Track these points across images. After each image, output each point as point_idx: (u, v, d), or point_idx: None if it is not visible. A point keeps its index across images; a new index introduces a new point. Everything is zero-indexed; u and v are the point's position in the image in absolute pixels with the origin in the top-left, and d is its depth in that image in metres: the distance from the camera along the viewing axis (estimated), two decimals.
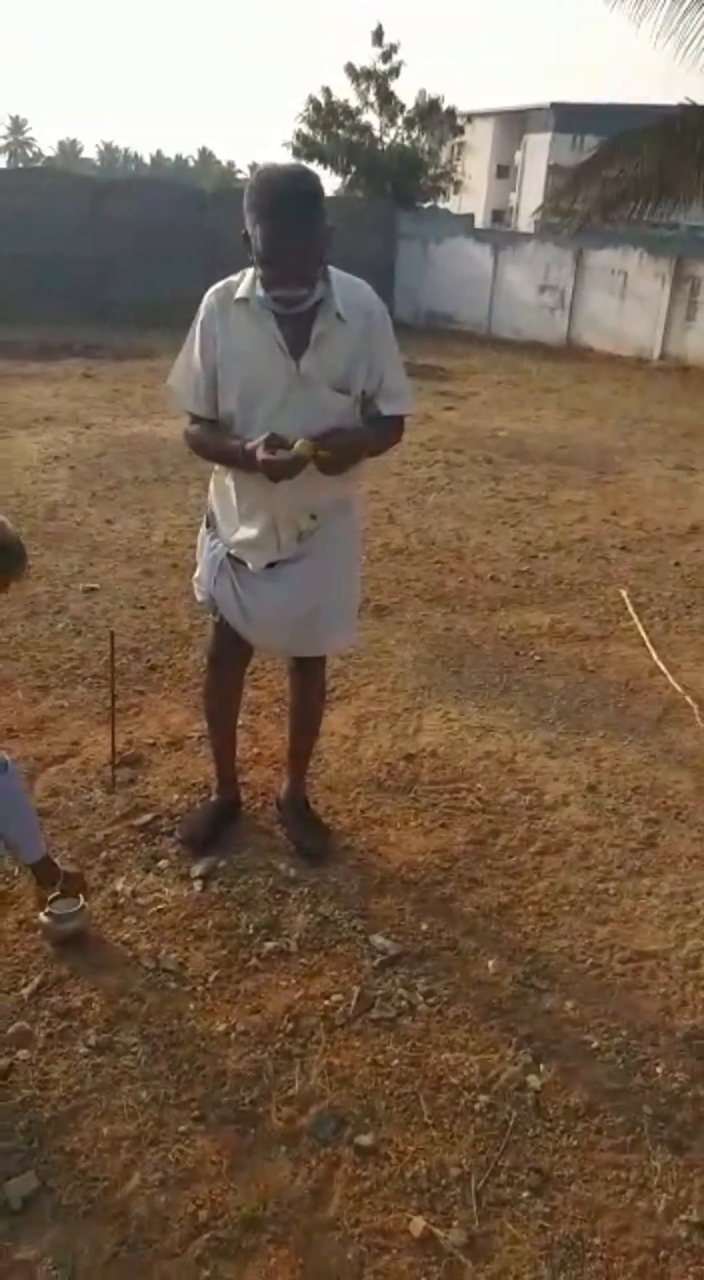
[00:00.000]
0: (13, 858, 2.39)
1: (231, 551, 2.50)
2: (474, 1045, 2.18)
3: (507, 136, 46.92)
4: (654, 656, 4.41)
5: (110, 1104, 2.01)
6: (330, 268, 2.25)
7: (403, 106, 20.20)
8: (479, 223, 23.91)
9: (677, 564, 5.76)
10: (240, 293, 2.25)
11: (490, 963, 2.44)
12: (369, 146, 20.23)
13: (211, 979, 2.33)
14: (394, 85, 19.95)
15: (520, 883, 2.76)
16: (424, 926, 2.55)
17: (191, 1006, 2.25)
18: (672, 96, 14.23)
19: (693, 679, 4.20)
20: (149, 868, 2.72)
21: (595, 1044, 2.22)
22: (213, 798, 2.96)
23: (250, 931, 2.49)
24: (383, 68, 19.74)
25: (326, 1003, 2.28)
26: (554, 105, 41.63)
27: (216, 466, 2.49)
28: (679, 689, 4.06)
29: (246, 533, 2.45)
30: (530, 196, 36.02)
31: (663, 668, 4.28)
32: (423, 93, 20.31)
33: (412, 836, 2.95)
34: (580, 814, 3.13)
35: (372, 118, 20.30)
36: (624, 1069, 2.16)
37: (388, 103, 20.06)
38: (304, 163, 20.44)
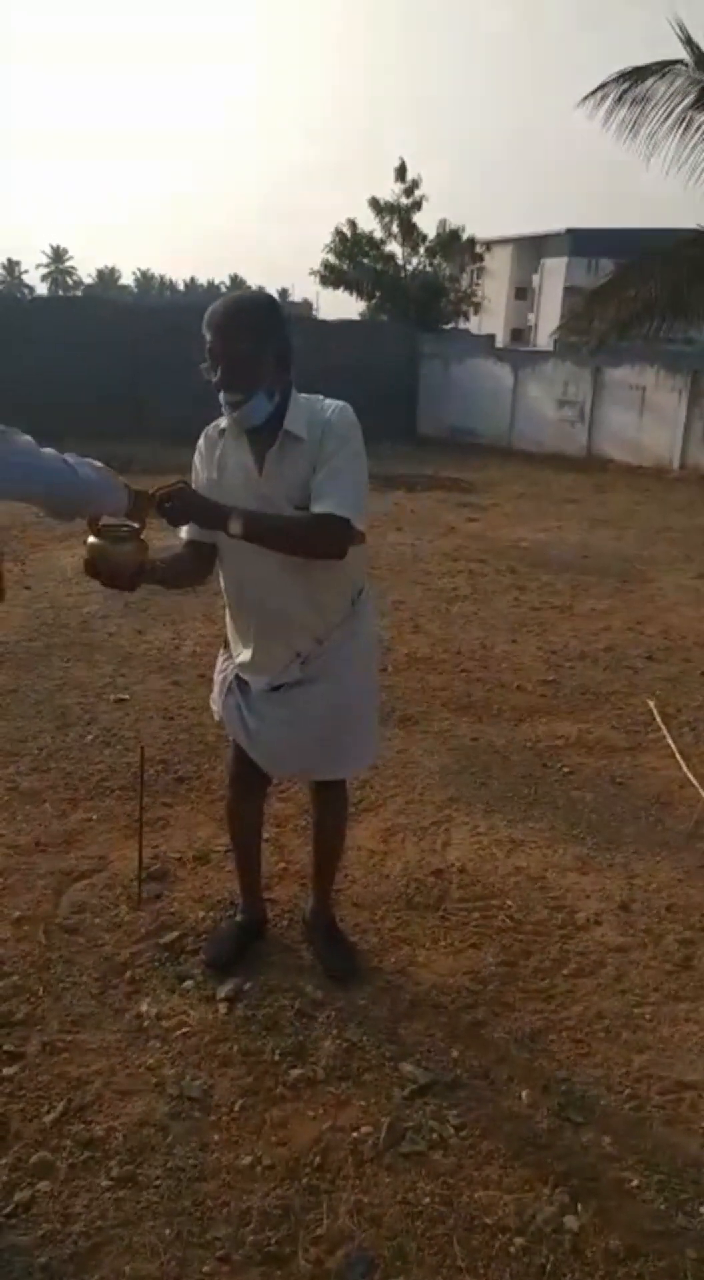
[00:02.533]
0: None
1: (239, 672, 2.55)
2: (509, 1183, 2.10)
3: (524, 260, 48.98)
4: (684, 769, 4.37)
5: (132, 1240, 1.94)
6: (296, 391, 2.33)
7: (425, 237, 21.22)
8: (499, 342, 24.81)
9: (703, 674, 5.75)
10: (224, 423, 2.38)
11: (524, 1093, 2.36)
12: (393, 274, 21.20)
13: (237, 1108, 2.28)
14: (416, 217, 21.00)
15: (553, 1007, 2.69)
16: (455, 1054, 2.48)
17: (216, 1137, 2.19)
18: (683, 221, 14.81)
19: None
20: (174, 988, 2.68)
21: (635, 1182, 2.12)
22: (238, 916, 2.93)
23: (277, 1058, 2.43)
24: (406, 201, 20.82)
25: (355, 1135, 2.21)
26: (570, 231, 43.55)
27: (223, 586, 2.54)
28: None
29: (244, 653, 2.51)
30: (548, 316, 37.39)
31: (694, 780, 4.23)
32: (444, 223, 21.37)
33: (441, 957, 2.90)
34: (613, 934, 3.06)
35: (395, 247, 21.33)
36: (665, 1209, 2.06)
37: (410, 233, 21.08)
38: (331, 290, 21.44)
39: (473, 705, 5.05)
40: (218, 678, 2.66)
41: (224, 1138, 2.19)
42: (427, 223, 21.28)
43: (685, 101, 13.38)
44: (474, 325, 24.99)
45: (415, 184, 20.76)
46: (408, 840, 3.59)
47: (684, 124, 13.51)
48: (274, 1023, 2.56)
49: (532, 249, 47.91)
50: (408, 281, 20.99)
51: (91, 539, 2.09)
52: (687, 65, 13.42)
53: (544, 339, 30.52)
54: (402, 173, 20.67)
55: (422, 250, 21.31)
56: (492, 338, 22.17)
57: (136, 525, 2.15)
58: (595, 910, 3.18)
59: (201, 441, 2.46)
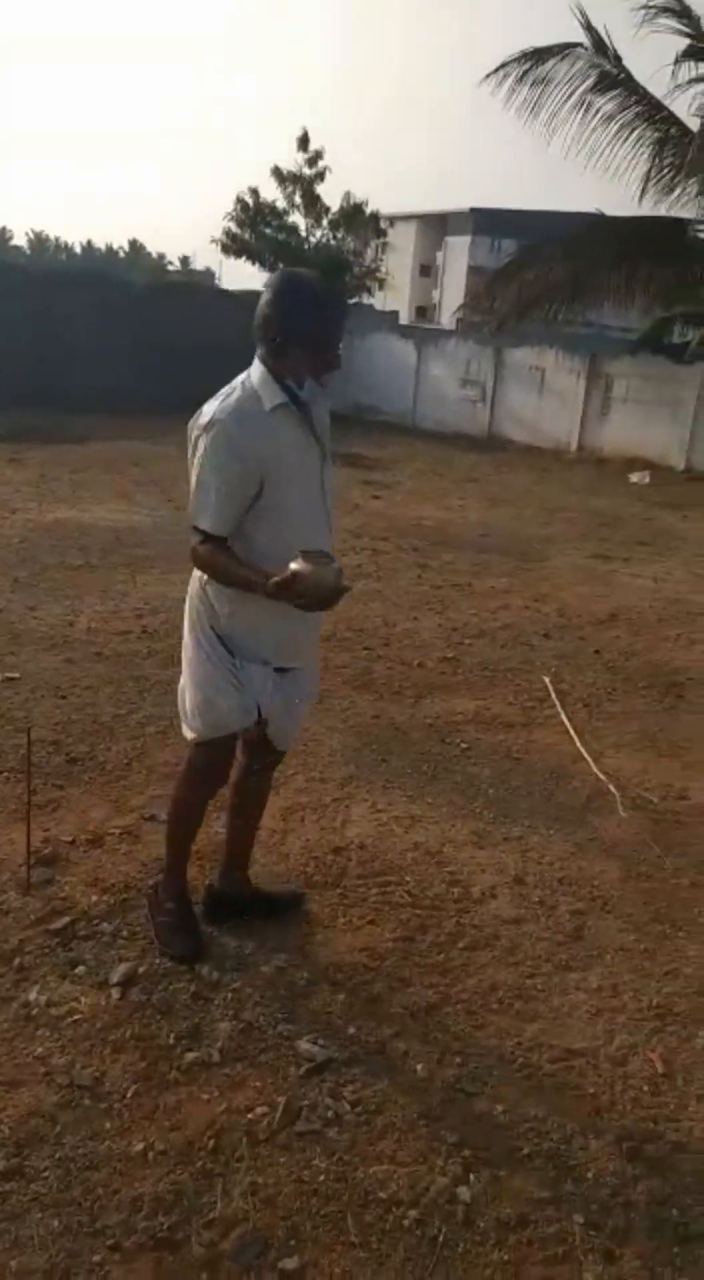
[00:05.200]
0: None
1: (268, 659, 2.57)
2: (403, 1156, 2.12)
3: (429, 237, 49.08)
4: (577, 743, 4.48)
5: (19, 1234, 1.89)
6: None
7: (328, 209, 21.00)
8: (404, 318, 24.81)
9: (597, 651, 5.90)
10: (274, 400, 2.38)
11: (419, 1066, 2.38)
12: (296, 245, 20.90)
13: (129, 1094, 2.23)
14: (319, 188, 20.75)
15: (449, 980, 2.72)
16: (352, 1030, 2.48)
17: (108, 1125, 2.15)
18: (583, 204, 15.06)
19: (615, 766, 4.26)
20: (65, 975, 2.61)
21: (526, 1150, 2.17)
22: (170, 904, 2.81)
23: (171, 1041, 2.40)
24: (308, 172, 20.55)
25: (250, 1116, 2.20)
26: (474, 210, 43.81)
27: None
28: (602, 777, 4.12)
29: (273, 639, 2.56)
30: (452, 294, 37.60)
31: (586, 755, 4.34)
32: (347, 195, 21.17)
33: (340, 934, 2.90)
34: (508, 907, 3.12)
35: (298, 218, 21.05)
36: (555, 1176, 2.11)
37: (313, 205, 20.82)
38: (233, 259, 21.08)
39: (374, 683, 5.07)
40: (242, 676, 2.53)
41: (116, 1125, 2.15)
42: (331, 195, 21.03)
43: (585, 85, 13.55)
44: (379, 301, 24.92)
45: (318, 155, 20.50)
46: (308, 819, 3.57)
47: (584, 107, 13.68)
48: (169, 1006, 2.52)
49: (436, 226, 48.02)
50: (311, 254, 20.74)
51: (298, 564, 2.25)
52: (586, 49, 13.60)
53: (448, 317, 30.71)
54: (304, 142, 20.36)
55: (325, 223, 21.07)
56: (395, 314, 22.17)
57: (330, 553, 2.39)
58: (491, 884, 3.24)
59: (237, 426, 2.34)
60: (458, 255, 43.87)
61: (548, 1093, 2.35)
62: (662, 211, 14.50)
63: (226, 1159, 2.08)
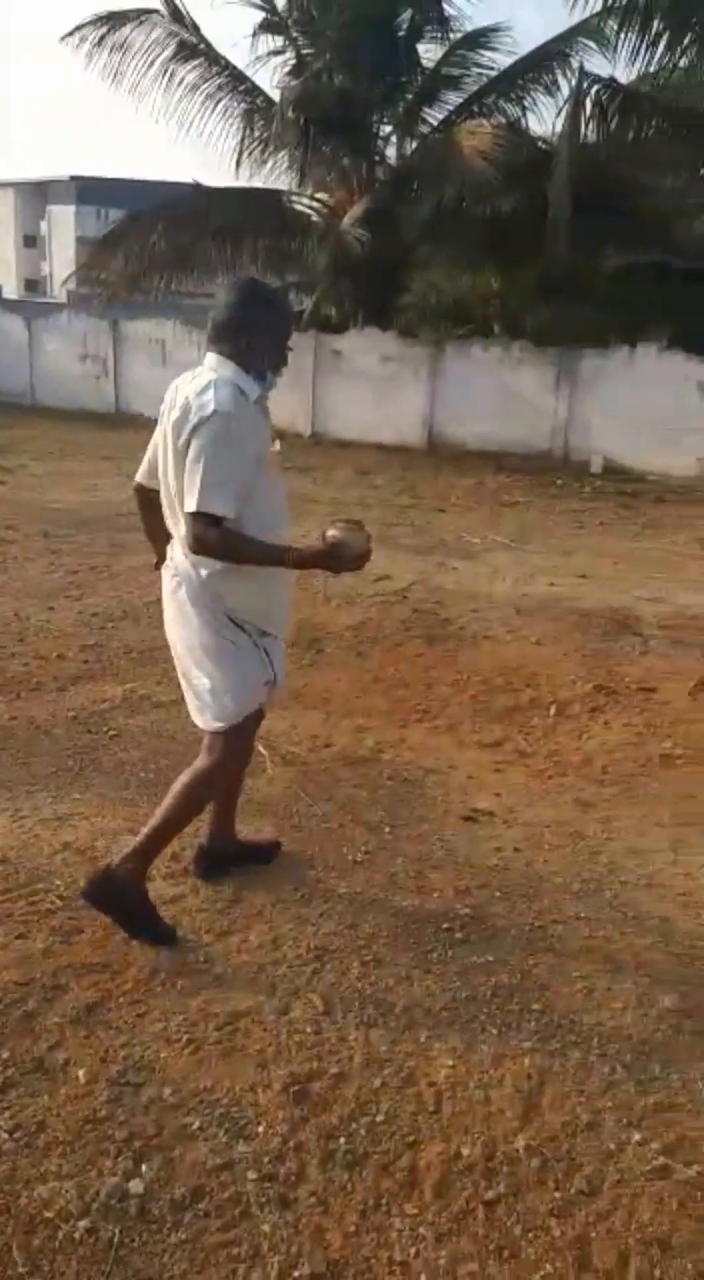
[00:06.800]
0: None
1: (276, 633, 2.84)
2: (69, 1169, 2.04)
3: (31, 207, 46.63)
4: None
5: None
6: None
7: None
8: (13, 292, 23.41)
9: None
10: (254, 394, 2.62)
11: (81, 1072, 2.30)
12: None
13: None
14: None
15: (108, 975, 2.65)
16: (5, 1054, 2.34)
17: None
18: (193, 174, 15.11)
19: (264, 727, 4.35)
20: None
21: (196, 1124, 2.18)
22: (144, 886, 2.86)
23: None
24: None
25: None
26: (74, 178, 42.22)
27: (243, 569, 2.63)
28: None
29: (277, 615, 2.84)
30: (62, 266, 36.11)
31: None
32: None
33: None
34: (167, 887, 3.09)
35: None
36: (227, 1140, 2.14)
37: None
38: None
39: (9, 682, 4.79)
40: (261, 657, 2.77)
41: None
42: None
43: (166, 53, 13.49)
44: None
45: None
46: None
47: (167, 75, 13.62)
48: None
49: (37, 195, 45.70)
50: None
51: (337, 531, 2.57)
52: (163, 15, 13.48)
53: (59, 289, 29.46)
54: None
55: None
56: None
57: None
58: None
59: (237, 414, 2.53)
60: (63, 225, 42.15)
61: (215, 1061, 2.37)
62: (258, 183, 14.90)
63: None
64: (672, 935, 2.99)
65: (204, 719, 2.80)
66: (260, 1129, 2.18)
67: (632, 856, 3.45)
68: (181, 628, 2.76)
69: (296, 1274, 1.86)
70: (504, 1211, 2.02)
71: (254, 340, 2.62)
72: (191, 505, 2.49)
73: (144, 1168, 2.05)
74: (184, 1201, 1.99)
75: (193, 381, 2.59)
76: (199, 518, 2.49)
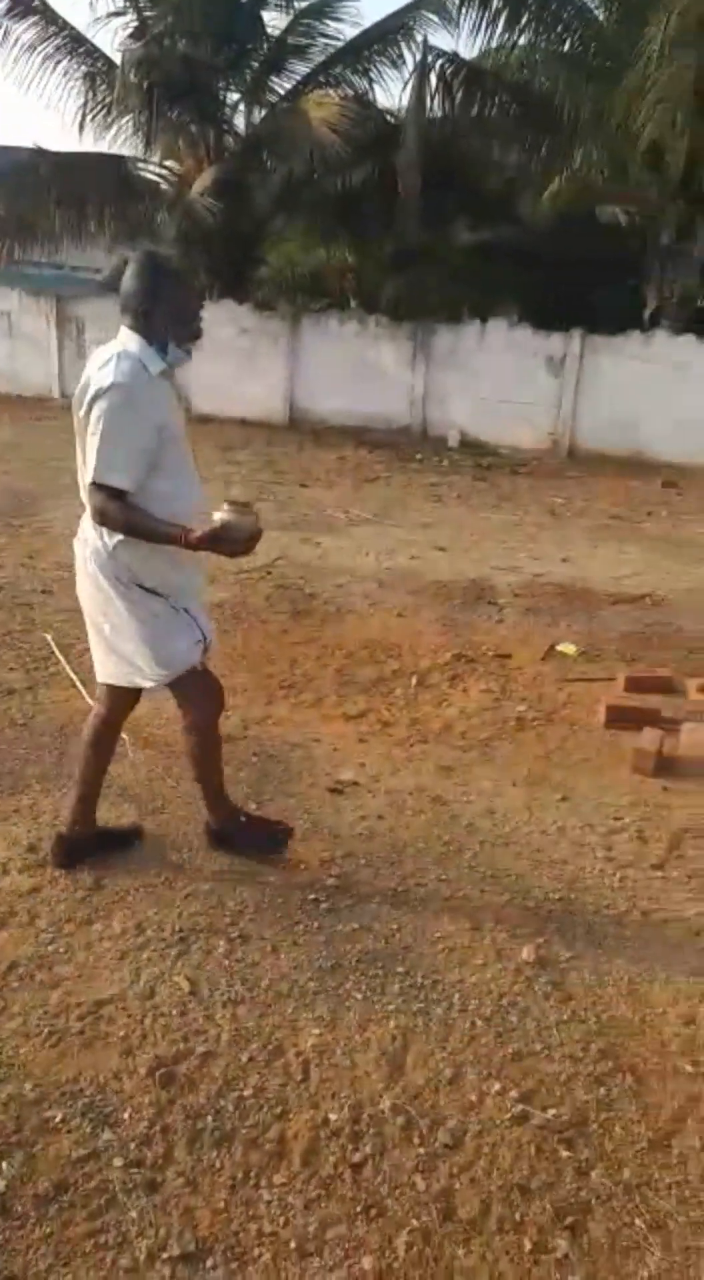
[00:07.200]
0: None
1: (187, 605, 2.82)
2: None
3: None
4: (87, 697, 4.41)
5: None
6: None
7: None
8: None
9: None
10: (157, 367, 2.62)
11: None
12: None
13: None
14: None
15: None
16: None
17: None
18: (21, 139, 14.44)
19: None
20: None
21: (58, 1116, 2.14)
22: (243, 816, 3.25)
23: None
24: None
25: None
26: None
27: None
28: None
29: (192, 584, 2.89)
30: None
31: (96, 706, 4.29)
32: None
33: None
34: (23, 879, 3.00)
35: None
36: (91, 1130, 2.11)
37: None
38: None
39: None
40: (188, 620, 2.82)
41: None
42: None
43: None
44: None
45: None
46: None
47: (1, 33, 12.96)
48: None
49: None
50: None
51: (225, 514, 2.52)
52: None
53: None
54: None
55: None
56: None
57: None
58: (2, 860, 3.09)
59: (137, 386, 2.54)
60: None
61: (78, 1051, 2.33)
62: (103, 148, 14.39)
63: None
64: (528, 891, 3.11)
65: (141, 679, 2.84)
66: (126, 1115, 2.16)
67: (488, 817, 3.56)
68: (96, 599, 2.80)
69: (165, 1255, 1.85)
70: (371, 1172, 2.06)
71: (154, 312, 2.63)
72: (91, 476, 2.55)
73: (4, 1165, 2.00)
74: (48, 1195, 1.95)
75: (101, 354, 2.65)
76: (100, 489, 2.56)
